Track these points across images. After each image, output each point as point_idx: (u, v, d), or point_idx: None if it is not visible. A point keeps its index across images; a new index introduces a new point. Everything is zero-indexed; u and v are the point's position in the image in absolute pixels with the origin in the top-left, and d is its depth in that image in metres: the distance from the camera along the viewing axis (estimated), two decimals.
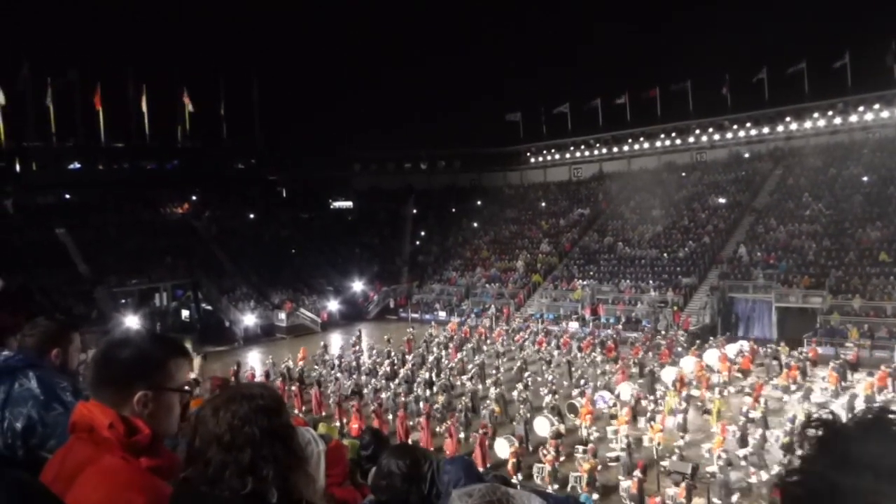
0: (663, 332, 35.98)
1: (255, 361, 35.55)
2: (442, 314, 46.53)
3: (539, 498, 1.52)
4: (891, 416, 0.91)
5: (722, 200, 49.76)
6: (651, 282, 42.74)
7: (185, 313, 47.62)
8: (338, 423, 23.23)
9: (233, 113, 65.89)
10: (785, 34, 67.74)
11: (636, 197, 54.73)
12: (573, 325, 40.26)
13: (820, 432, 0.94)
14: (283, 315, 45.76)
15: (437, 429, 22.11)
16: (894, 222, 38.81)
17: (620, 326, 38.68)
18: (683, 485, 16.65)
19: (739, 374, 27.91)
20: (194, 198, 60.61)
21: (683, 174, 56.30)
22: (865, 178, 44.05)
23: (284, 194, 68.79)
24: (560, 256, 50.84)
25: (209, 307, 47.44)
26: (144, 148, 60.55)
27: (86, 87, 55.85)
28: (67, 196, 53.97)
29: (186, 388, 2.02)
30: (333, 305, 49.24)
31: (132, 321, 38.82)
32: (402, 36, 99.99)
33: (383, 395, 25.73)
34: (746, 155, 55.49)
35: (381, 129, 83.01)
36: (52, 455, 2.01)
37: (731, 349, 29.86)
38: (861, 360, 28.66)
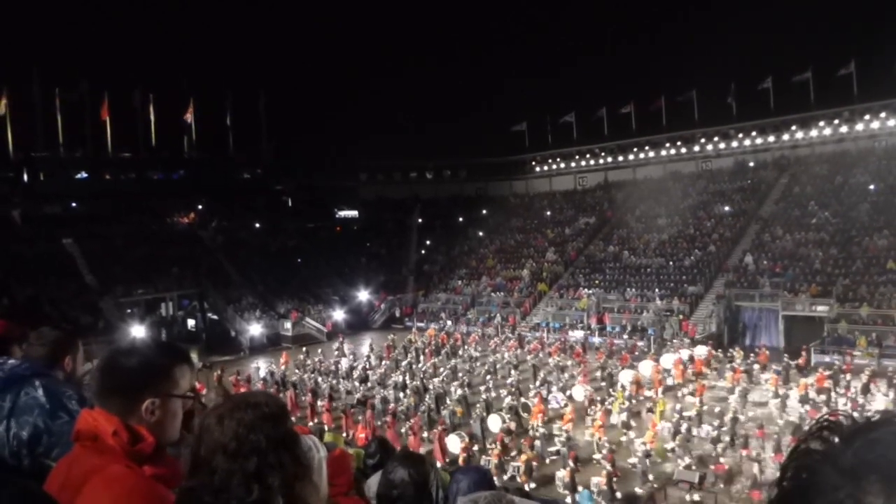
0: (669, 341, 36.02)
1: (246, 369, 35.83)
2: (448, 323, 46.44)
3: None
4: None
5: (727, 209, 49.66)
6: (657, 290, 42.62)
7: (190, 323, 47.69)
8: (311, 424, 24.79)
9: (239, 123, 66.36)
10: (790, 43, 67.87)
11: (641, 206, 54.67)
12: (576, 334, 40.20)
13: (825, 433, 0.95)
14: (288, 324, 45.79)
15: (402, 429, 23.53)
16: None
17: (626, 335, 38.58)
18: (604, 473, 17.92)
19: (694, 377, 29.11)
20: (201, 208, 60.80)
21: (689, 183, 56.20)
22: (872, 187, 43.90)
23: (291, 204, 68.93)
24: (566, 265, 50.79)
25: (215, 317, 47.51)
26: (151, 158, 60.89)
27: (94, 98, 56.31)
28: (75, 206, 54.22)
29: (190, 394, 2.04)
30: (339, 315, 49.28)
31: (138, 331, 38.90)
32: (409, 46, 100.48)
33: (356, 396, 27.88)
34: (751, 164, 55.42)
35: (387, 138, 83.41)
36: (56, 464, 2.02)
37: (685, 354, 31.32)
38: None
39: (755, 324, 37.97)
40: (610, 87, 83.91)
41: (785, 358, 29.88)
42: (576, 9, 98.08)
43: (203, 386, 29.12)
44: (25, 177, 54.41)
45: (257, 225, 61.08)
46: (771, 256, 41.51)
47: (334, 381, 31.36)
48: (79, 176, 57.57)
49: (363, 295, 52.46)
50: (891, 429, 0.90)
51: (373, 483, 3.21)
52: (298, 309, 47.84)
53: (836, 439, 0.93)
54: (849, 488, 0.84)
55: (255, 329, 44.59)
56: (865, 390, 25.12)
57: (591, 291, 44.73)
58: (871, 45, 54.41)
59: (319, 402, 27.43)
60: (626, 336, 38.43)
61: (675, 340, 35.88)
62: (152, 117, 59.72)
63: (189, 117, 61.25)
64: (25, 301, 39.12)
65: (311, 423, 25.08)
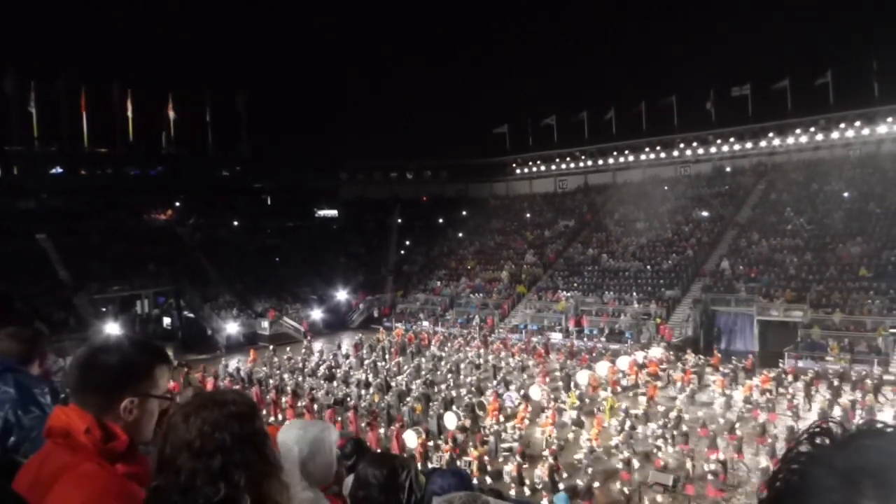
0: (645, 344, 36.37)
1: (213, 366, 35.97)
2: (426, 324, 46.42)
3: None
4: (888, 428, 0.96)
5: (705, 214, 50.16)
6: (634, 294, 42.91)
7: (166, 321, 47.20)
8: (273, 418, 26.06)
9: (219, 120, 65.75)
10: (768, 51, 68.70)
11: (621, 209, 55.09)
12: (555, 336, 40.40)
13: (817, 439, 0.99)
14: (266, 323, 45.52)
15: (362, 424, 24.35)
16: (874, 238, 39.30)
17: (604, 338, 38.83)
18: (546, 466, 18.78)
19: (649, 378, 29.87)
20: (178, 204, 60.24)
21: (668, 187, 56.66)
22: (846, 194, 44.53)
23: (270, 202, 68.53)
24: (545, 267, 50.97)
25: (191, 315, 47.06)
26: (128, 154, 60.20)
27: (70, 92, 55.53)
28: (50, 201, 53.40)
29: (168, 395, 2.03)
30: (317, 314, 49.05)
31: (113, 328, 38.43)
32: (391, 46, 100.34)
33: (320, 394, 28.86)
34: (728, 169, 56.08)
35: (369, 138, 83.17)
36: (26, 459, 2.00)
37: (639, 356, 32.44)
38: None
39: (731, 328, 38.34)
40: (591, 91, 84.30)
41: (733, 360, 30.92)
42: (559, 13, 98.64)
43: (177, 385, 28.96)
44: None
45: (236, 223, 60.61)
46: (747, 262, 41.97)
47: (300, 379, 32.15)
48: (54, 171, 56.74)
49: (342, 294, 52.27)
50: (883, 436, 0.94)
51: (350, 483, 3.22)
52: (276, 308, 47.56)
53: (829, 444, 0.96)
54: (845, 491, 0.88)
55: (232, 327, 44.26)
56: (807, 392, 26.02)
57: (569, 294, 44.92)
58: (848, 56, 55.29)
59: (283, 399, 28.13)
60: (603, 338, 38.72)
61: (630, 343, 36.88)
62: (130, 113, 59.07)
63: (171, 113, 60.70)
64: None
65: (272, 419, 25.89)
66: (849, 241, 39.75)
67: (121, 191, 56.59)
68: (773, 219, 45.66)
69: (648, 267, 45.88)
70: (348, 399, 27.59)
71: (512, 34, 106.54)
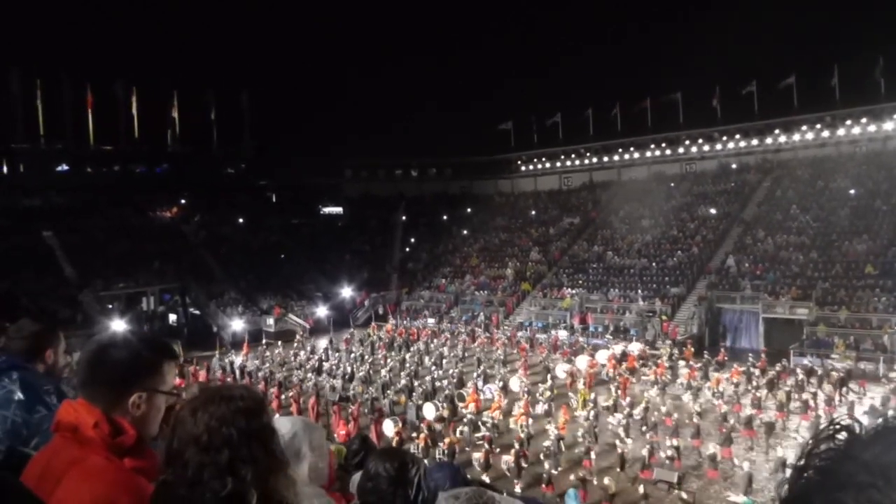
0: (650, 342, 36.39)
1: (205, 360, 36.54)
2: (431, 321, 46.41)
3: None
4: None
5: (711, 211, 50.01)
6: (639, 291, 42.82)
7: (172, 318, 47.34)
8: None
9: (223, 117, 65.88)
10: (775, 48, 68.45)
11: (626, 206, 54.95)
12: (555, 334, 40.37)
13: (840, 435, 0.99)
14: (271, 320, 45.60)
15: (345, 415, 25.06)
16: (880, 235, 39.15)
17: (609, 336, 38.78)
18: (513, 452, 19.38)
19: (626, 372, 30.62)
20: (183, 202, 60.38)
21: (673, 184, 56.51)
22: (852, 192, 44.33)
23: (274, 200, 68.63)
24: (549, 265, 50.92)
25: (197, 312, 47.20)
26: (134, 151, 60.37)
27: (76, 90, 55.67)
28: (55, 199, 53.57)
29: (175, 391, 2.04)
30: (322, 311, 49.05)
31: (119, 325, 38.54)
32: (395, 44, 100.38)
33: (308, 385, 29.74)
34: (734, 166, 55.89)
35: (373, 136, 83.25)
36: (35, 453, 2.01)
37: (618, 349, 33.63)
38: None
39: (736, 326, 38.28)
40: (596, 88, 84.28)
41: (705, 354, 31.41)
42: (563, 10, 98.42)
43: (182, 381, 29.08)
44: (5, 168, 53.74)
45: (240, 220, 60.71)
46: (753, 259, 41.83)
47: (289, 372, 33.10)
48: (60, 168, 56.94)
49: (346, 292, 52.29)
50: None
51: (357, 479, 3.22)
52: (281, 305, 47.64)
53: (855, 440, 0.96)
54: (881, 486, 0.89)
55: (238, 324, 44.33)
56: (771, 385, 26.51)
57: (574, 291, 44.88)
58: (854, 53, 55.08)
59: (271, 391, 28.76)
60: (608, 336, 38.68)
61: (608, 337, 37.73)
62: (135, 111, 59.25)
63: (175, 113, 60.90)
64: (1, 295, 38.63)
65: None
66: (855, 238, 39.59)
67: (126, 188, 56.79)
68: (779, 216, 45.50)
69: (653, 264, 45.78)
70: (335, 391, 28.35)
71: (515, 33, 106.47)
